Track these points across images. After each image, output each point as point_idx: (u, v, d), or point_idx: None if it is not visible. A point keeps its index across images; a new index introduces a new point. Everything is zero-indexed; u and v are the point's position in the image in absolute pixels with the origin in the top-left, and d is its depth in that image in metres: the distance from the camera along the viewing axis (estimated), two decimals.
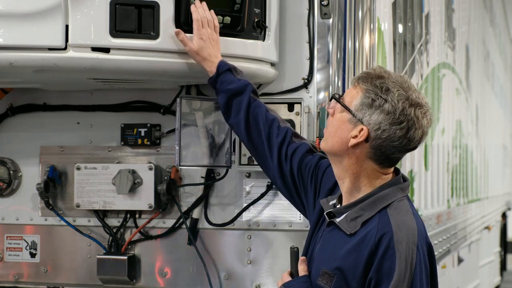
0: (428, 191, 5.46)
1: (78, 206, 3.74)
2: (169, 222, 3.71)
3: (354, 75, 3.50)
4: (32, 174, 3.86)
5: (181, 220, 3.68)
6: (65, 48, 3.10)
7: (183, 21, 3.18)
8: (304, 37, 3.56)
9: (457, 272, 7.33)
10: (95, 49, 3.12)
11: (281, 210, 3.59)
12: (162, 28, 3.15)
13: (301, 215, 3.55)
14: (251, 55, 3.39)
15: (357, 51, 3.53)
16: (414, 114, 2.61)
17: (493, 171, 10.41)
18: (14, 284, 3.88)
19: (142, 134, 3.71)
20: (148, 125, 3.71)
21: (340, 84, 3.51)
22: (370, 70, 2.70)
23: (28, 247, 3.87)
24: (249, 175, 3.62)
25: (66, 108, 3.84)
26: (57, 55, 3.10)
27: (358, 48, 3.54)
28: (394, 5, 4.27)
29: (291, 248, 2.80)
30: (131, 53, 3.16)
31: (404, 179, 2.75)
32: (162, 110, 3.72)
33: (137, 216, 3.74)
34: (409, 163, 4.77)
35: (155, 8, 3.14)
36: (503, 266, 12.51)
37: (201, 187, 3.67)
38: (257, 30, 3.38)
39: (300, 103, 3.51)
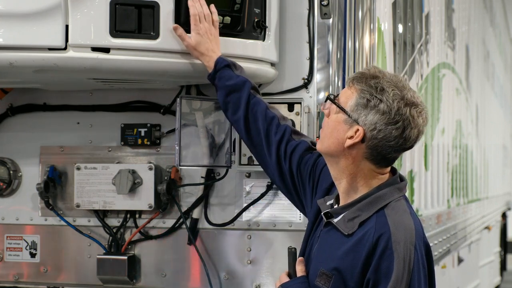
0: (428, 191, 5.46)
1: (78, 206, 3.74)
2: (169, 222, 3.71)
3: None
4: (32, 174, 3.87)
5: (181, 220, 3.68)
6: (65, 48, 3.10)
7: (183, 21, 3.18)
8: (304, 37, 3.56)
9: (457, 272, 7.34)
10: (95, 49, 3.12)
11: (281, 210, 3.59)
12: (162, 28, 3.15)
13: (301, 215, 3.55)
14: (251, 55, 3.39)
15: (357, 51, 3.53)
16: (409, 113, 2.61)
17: (493, 171, 10.41)
18: (14, 284, 3.88)
19: (142, 134, 3.71)
20: (148, 125, 3.71)
21: (340, 84, 3.51)
22: (365, 70, 2.70)
23: (28, 247, 3.87)
24: (249, 175, 3.62)
25: (66, 108, 3.84)
26: (57, 55, 3.10)
27: (358, 48, 3.54)
28: (394, 5, 4.27)
29: (288, 248, 2.79)
30: (131, 53, 3.15)
31: (401, 178, 2.74)
32: (162, 110, 3.72)
33: (137, 216, 3.74)
34: (409, 163, 4.77)
35: (155, 8, 3.14)
36: (503, 266, 12.51)
37: (201, 187, 3.67)
38: (257, 30, 3.38)
39: (300, 103, 3.50)
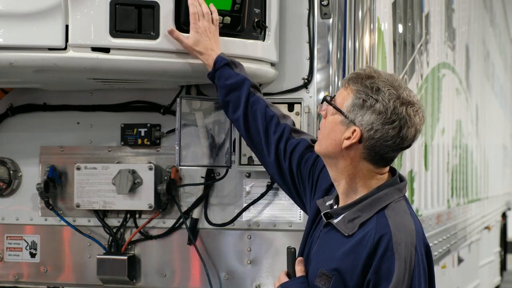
0: (428, 191, 5.46)
1: (78, 206, 3.74)
2: (169, 222, 3.71)
3: None
4: (32, 174, 3.87)
5: (181, 220, 3.68)
6: (65, 48, 3.10)
7: (183, 21, 3.18)
8: (304, 37, 3.56)
9: (457, 272, 7.34)
10: (95, 49, 3.12)
11: (281, 210, 3.59)
12: (162, 28, 3.15)
13: (301, 215, 3.55)
14: (251, 55, 3.38)
15: (357, 51, 3.53)
16: (406, 112, 2.60)
17: (493, 171, 10.41)
18: (14, 284, 3.88)
19: (142, 134, 3.71)
20: (148, 125, 3.71)
21: (340, 84, 3.50)
22: (360, 70, 2.69)
23: (28, 247, 3.87)
24: (249, 175, 3.62)
25: (66, 108, 3.84)
26: (57, 55, 3.10)
27: (358, 48, 3.54)
28: (394, 5, 4.27)
29: (288, 248, 2.79)
30: (131, 53, 3.15)
31: (401, 179, 2.74)
32: (162, 110, 3.72)
33: (137, 216, 3.74)
34: (409, 163, 4.77)
35: (155, 8, 3.14)
36: (503, 266, 12.51)
37: (201, 187, 3.67)
38: (257, 30, 3.38)
39: (300, 103, 3.50)
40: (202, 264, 3.62)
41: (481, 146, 8.79)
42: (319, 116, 3.50)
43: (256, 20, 3.36)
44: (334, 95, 2.73)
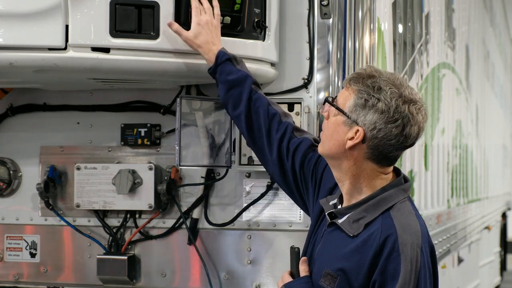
0: (428, 191, 5.46)
1: (78, 206, 3.74)
2: (169, 222, 3.71)
3: None
4: (32, 174, 3.87)
5: (181, 220, 3.68)
6: (65, 48, 3.10)
7: (183, 21, 3.18)
8: (304, 37, 3.56)
9: (457, 272, 7.33)
10: (95, 49, 3.12)
11: (281, 210, 3.59)
12: (162, 28, 3.15)
13: (301, 215, 3.55)
14: (251, 55, 3.38)
15: (357, 51, 3.53)
16: (408, 110, 2.60)
17: (493, 171, 10.41)
18: (14, 284, 3.88)
19: (142, 134, 3.71)
20: (148, 125, 3.71)
21: (340, 84, 3.50)
22: (361, 70, 2.68)
23: (28, 247, 3.87)
24: (249, 175, 3.62)
25: (66, 108, 3.84)
26: (57, 55, 3.10)
27: (358, 48, 3.54)
28: (394, 5, 4.27)
29: (291, 248, 2.78)
30: (131, 53, 3.15)
31: (406, 179, 2.73)
32: (162, 110, 3.72)
33: (137, 216, 3.74)
34: (409, 163, 4.77)
35: (155, 8, 3.14)
36: (503, 266, 12.51)
37: (201, 187, 3.67)
38: (257, 30, 3.38)
39: (300, 103, 3.50)
40: (202, 264, 3.62)
41: (481, 146, 8.79)
42: (319, 114, 3.50)
43: (256, 20, 3.35)
44: (336, 96, 2.73)
